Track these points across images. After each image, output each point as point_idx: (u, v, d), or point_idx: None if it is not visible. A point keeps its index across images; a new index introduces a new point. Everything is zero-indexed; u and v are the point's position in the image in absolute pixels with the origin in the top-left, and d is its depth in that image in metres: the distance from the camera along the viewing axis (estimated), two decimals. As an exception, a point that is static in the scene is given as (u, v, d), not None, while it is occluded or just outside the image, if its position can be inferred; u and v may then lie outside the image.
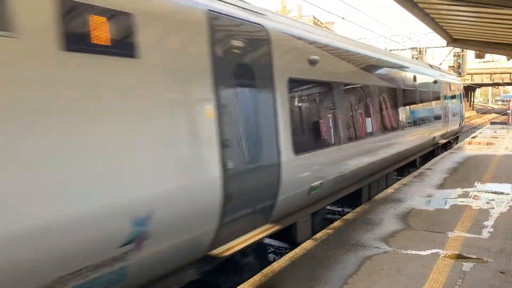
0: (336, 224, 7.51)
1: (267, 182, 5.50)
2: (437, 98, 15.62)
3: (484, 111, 70.75)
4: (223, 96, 4.73)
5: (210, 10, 4.69)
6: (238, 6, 5.37)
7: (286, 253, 6.93)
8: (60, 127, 3.13)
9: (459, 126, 20.49)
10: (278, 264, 5.73)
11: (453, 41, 15.83)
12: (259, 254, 6.40)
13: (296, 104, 6.45)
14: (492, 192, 9.85)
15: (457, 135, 21.38)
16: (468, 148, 18.54)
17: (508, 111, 37.33)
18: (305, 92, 6.85)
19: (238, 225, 5.14)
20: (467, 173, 12.25)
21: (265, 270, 5.53)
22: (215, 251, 4.94)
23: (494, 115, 58.60)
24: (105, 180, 3.45)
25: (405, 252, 6.15)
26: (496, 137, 23.04)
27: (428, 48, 44.02)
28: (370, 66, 9.31)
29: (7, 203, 2.82)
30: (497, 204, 8.74)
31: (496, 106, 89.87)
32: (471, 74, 55.34)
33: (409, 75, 12.27)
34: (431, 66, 17.18)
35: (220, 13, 4.86)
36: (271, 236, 6.32)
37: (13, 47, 2.89)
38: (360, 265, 5.68)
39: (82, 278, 3.38)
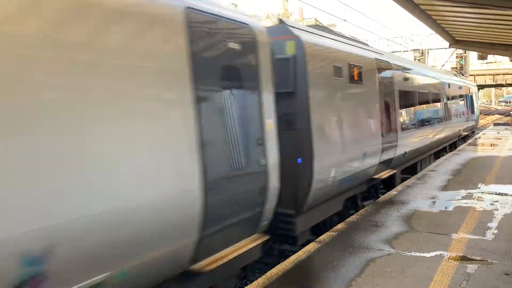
0: (339, 226, 7.49)
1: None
2: (462, 99, 20.95)
3: (487, 113, 70.50)
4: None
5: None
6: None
7: (290, 255, 6.92)
8: None
9: (475, 122, 25.66)
10: (282, 267, 5.72)
11: (455, 42, 15.81)
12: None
13: (402, 104, 11.33)
14: (496, 194, 9.81)
15: (473, 130, 26.00)
16: (471, 149, 18.48)
17: (512, 112, 37.25)
18: (405, 96, 11.65)
19: (220, 237, 4.69)
20: (470, 175, 12.21)
21: (268, 273, 5.52)
22: (197, 266, 4.45)
23: (497, 116, 58.39)
24: None
25: (409, 254, 6.13)
26: (500, 138, 22.96)
27: (430, 49, 44.00)
28: (431, 79, 15.23)
29: None
30: (501, 206, 8.70)
31: (499, 107, 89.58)
32: (474, 76, 55.20)
33: (447, 82, 17.74)
34: (455, 74, 23.03)
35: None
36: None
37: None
38: (364, 267, 5.66)
39: None
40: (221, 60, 4.73)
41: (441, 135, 16.01)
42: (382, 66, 9.91)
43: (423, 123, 13.37)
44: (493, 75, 57.33)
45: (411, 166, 13.14)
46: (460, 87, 20.54)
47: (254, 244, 5.23)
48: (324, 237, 6.92)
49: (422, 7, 10.12)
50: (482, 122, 47.65)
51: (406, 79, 11.80)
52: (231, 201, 4.75)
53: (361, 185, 9.17)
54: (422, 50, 42.34)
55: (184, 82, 4.16)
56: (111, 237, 3.43)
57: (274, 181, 5.50)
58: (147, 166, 3.71)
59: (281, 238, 6.92)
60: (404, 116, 11.45)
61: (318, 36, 7.44)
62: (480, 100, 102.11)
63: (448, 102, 17.32)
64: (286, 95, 6.53)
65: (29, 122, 2.93)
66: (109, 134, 3.43)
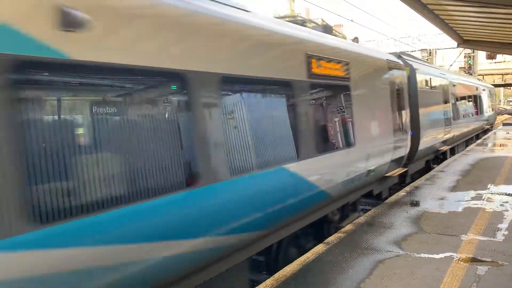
0: (348, 228, 7.46)
1: None
2: (486, 99, 26.61)
3: (496, 112, 69.87)
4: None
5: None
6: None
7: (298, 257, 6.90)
8: None
9: (494, 119, 33.23)
10: (290, 268, 5.70)
11: (463, 42, 15.70)
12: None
13: (455, 102, 17.73)
14: (506, 194, 9.72)
15: (491, 125, 31.73)
16: (480, 149, 18.33)
17: (521, 112, 37.24)
18: (456, 97, 18.10)
19: (394, 165, 10.25)
20: (480, 175, 12.11)
21: (276, 275, 5.51)
22: (388, 174, 10.04)
23: (506, 116, 57.86)
24: None
25: (418, 255, 6.09)
26: (509, 139, 22.76)
27: (438, 49, 43.73)
28: (470, 86, 22.05)
29: None
30: (511, 207, 8.62)
31: (508, 107, 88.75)
32: (483, 75, 54.73)
33: (476, 85, 23.99)
34: (478, 79, 30.60)
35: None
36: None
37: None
38: (372, 269, 5.63)
39: None
40: (398, 82, 10.40)
41: (475, 125, 22.62)
42: (447, 80, 16.88)
43: (465, 116, 19.57)
44: (502, 74, 56.75)
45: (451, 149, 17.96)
46: (484, 89, 26.74)
47: (402, 170, 10.58)
48: (332, 238, 6.89)
49: (430, 6, 10.06)
50: (491, 122, 47.24)
51: (454, 85, 18.14)
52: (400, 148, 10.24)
53: (435, 153, 15.13)
54: (430, 50, 42.11)
55: (389, 93, 9.72)
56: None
57: (408, 143, 10.88)
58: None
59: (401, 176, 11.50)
60: (455, 110, 17.36)
61: (418, 63, 13.79)
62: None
63: (478, 102, 23.59)
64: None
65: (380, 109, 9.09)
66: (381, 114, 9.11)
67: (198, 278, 4.57)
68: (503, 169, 13.10)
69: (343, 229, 7.36)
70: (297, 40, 6.22)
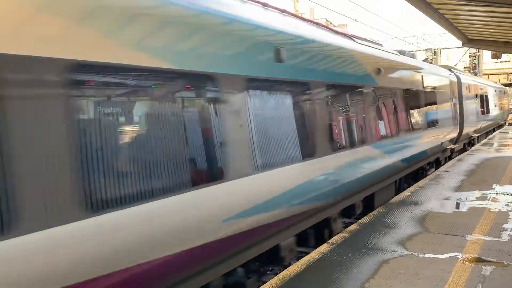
0: (352, 227, 7.45)
1: None
2: (500, 99, 31.83)
3: (509, 111, 69.46)
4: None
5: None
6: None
7: (302, 256, 6.90)
8: None
9: (507, 115, 38.69)
10: (294, 268, 5.70)
11: (468, 41, 15.67)
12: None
13: (482, 103, 23.69)
14: (511, 195, 9.67)
15: (505, 120, 37.26)
16: (485, 150, 18.26)
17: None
18: (482, 99, 23.71)
19: (447, 143, 15.32)
20: (485, 175, 12.06)
21: (281, 274, 5.51)
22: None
23: (511, 116, 57.58)
24: None
25: (423, 255, 6.08)
26: (514, 138, 22.67)
27: (442, 49, 43.59)
28: (492, 90, 28.36)
29: None
30: (516, 207, 8.58)
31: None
32: (488, 75, 54.49)
33: (494, 88, 29.54)
34: (495, 82, 36.07)
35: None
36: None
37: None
38: (377, 269, 5.63)
39: None
40: (453, 88, 16.16)
41: (495, 120, 28.60)
42: (478, 85, 22.31)
43: (488, 112, 24.67)
44: (508, 74, 56.48)
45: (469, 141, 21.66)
46: (500, 90, 32.37)
47: (453, 146, 15.68)
48: (336, 238, 6.89)
49: (434, 6, 10.04)
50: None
51: (482, 88, 22.91)
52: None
53: (468, 138, 19.85)
54: (435, 49, 41.98)
55: (450, 94, 15.63)
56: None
57: (458, 128, 16.07)
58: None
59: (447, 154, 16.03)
60: (483, 107, 22.79)
61: (461, 74, 19.22)
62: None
63: (496, 101, 29.41)
64: None
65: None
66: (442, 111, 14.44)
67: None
68: (508, 169, 13.04)
69: (347, 229, 7.35)
70: (418, 67, 11.99)
